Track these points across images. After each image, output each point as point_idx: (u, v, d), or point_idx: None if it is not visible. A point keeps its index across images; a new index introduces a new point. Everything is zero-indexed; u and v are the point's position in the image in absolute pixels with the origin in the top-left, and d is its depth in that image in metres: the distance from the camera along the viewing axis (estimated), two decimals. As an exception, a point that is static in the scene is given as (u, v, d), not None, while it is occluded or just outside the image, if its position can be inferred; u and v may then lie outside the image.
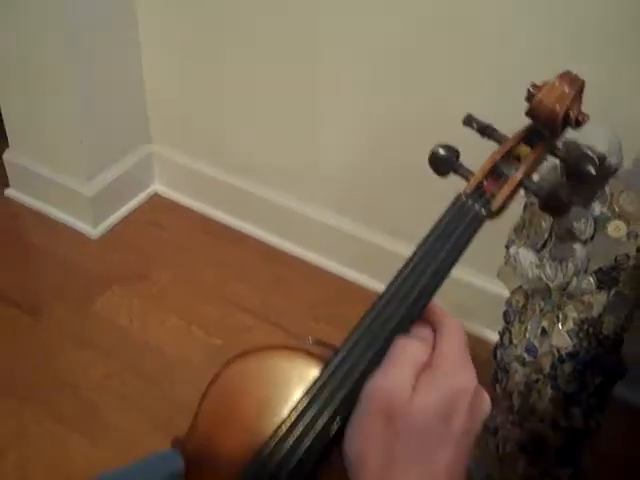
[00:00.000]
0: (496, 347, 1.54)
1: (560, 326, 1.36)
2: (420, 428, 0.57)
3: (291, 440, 0.62)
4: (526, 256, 1.36)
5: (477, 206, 0.67)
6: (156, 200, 2.40)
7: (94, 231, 2.26)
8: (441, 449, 0.58)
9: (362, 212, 2.02)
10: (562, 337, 1.36)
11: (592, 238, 1.28)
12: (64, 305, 2.08)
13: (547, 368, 1.40)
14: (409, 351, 0.61)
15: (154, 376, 1.88)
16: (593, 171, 0.67)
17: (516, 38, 1.55)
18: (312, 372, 0.65)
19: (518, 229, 1.41)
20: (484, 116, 0.74)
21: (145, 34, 2.13)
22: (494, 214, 0.67)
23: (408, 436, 0.57)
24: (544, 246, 1.34)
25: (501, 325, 1.52)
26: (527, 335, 1.42)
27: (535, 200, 1.24)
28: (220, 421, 0.69)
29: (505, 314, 1.48)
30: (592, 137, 1.21)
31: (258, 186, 2.19)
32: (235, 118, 2.13)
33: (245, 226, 2.28)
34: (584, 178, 0.68)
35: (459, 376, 0.59)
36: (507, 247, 1.43)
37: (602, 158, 1.21)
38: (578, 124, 0.70)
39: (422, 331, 0.64)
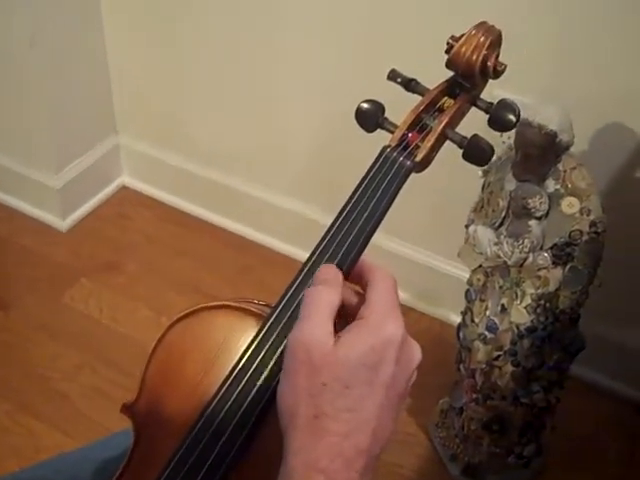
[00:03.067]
0: (459, 327, 1.57)
1: (518, 302, 1.38)
2: (345, 378, 0.58)
3: (233, 396, 0.64)
4: (484, 234, 1.38)
5: (402, 157, 0.67)
6: (124, 192, 2.40)
7: (63, 223, 2.26)
8: (370, 397, 0.59)
9: (328, 199, 2.03)
10: (520, 313, 1.39)
11: (547, 215, 1.31)
12: (34, 297, 2.08)
13: (507, 344, 1.43)
14: (318, 299, 0.61)
15: (125, 366, 1.88)
16: (514, 119, 0.68)
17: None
18: (252, 329, 0.66)
19: (477, 208, 1.44)
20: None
21: (110, 26, 2.13)
22: (419, 165, 0.68)
23: (334, 386, 0.58)
24: (502, 224, 1.37)
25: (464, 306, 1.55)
26: (487, 313, 1.45)
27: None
28: (166, 382, 0.71)
29: (466, 293, 1.51)
30: (544, 115, 1.24)
31: (225, 176, 2.19)
32: (200, 108, 2.14)
33: (213, 216, 2.28)
34: (506, 126, 0.69)
35: (386, 326, 0.60)
36: (467, 226, 1.45)
37: (554, 135, 1.23)
38: (496, 73, 0.71)
39: (350, 287, 0.65)
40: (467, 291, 1.51)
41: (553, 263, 1.33)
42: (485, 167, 1.41)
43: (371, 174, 0.67)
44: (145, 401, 0.72)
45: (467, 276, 1.52)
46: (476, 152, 0.69)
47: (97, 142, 2.30)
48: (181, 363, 0.71)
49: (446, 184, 1.66)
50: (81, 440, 1.71)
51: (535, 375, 1.46)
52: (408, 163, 0.67)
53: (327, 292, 0.62)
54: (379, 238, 0.68)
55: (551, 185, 1.30)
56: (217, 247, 2.22)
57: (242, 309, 0.70)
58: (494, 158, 1.39)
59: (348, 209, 0.67)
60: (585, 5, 1.47)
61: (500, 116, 0.69)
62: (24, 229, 2.27)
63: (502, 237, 1.36)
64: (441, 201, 1.82)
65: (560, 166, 1.30)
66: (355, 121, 0.72)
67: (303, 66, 1.88)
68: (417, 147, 0.68)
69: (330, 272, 0.64)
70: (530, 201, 1.29)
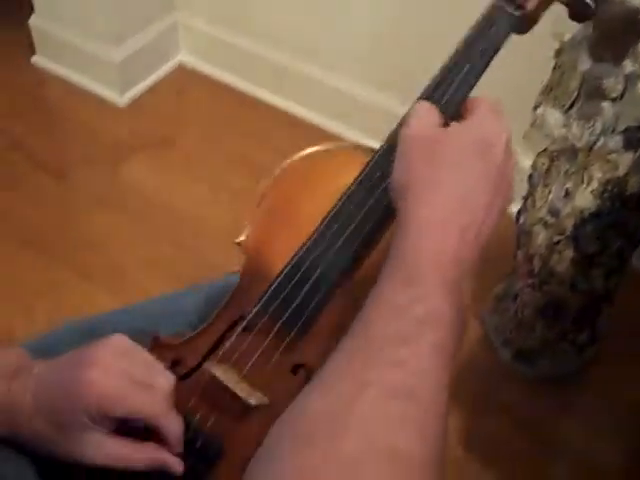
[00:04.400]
0: (519, 212, 1.55)
1: (585, 187, 1.36)
2: (459, 150, 0.63)
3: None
4: (553, 116, 1.35)
5: (511, 8, 0.73)
6: (182, 69, 2.38)
7: (121, 99, 2.26)
8: (483, 173, 0.63)
9: (388, 81, 2.00)
10: (586, 198, 1.36)
11: (621, 97, 1.27)
12: (90, 170, 2.10)
13: (569, 229, 1.41)
14: (419, 107, 0.68)
15: (180, 240, 1.91)
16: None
17: None
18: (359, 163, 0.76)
19: (546, 91, 1.40)
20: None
21: None
22: (525, 19, 0.74)
23: (447, 156, 0.63)
24: (572, 106, 1.34)
25: (525, 191, 1.52)
26: (550, 197, 1.43)
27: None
28: (280, 216, 0.82)
29: (530, 177, 1.48)
30: (628, -9, 1.19)
31: (282, 54, 2.17)
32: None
33: (269, 95, 2.26)
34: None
35: (494, 118, 0.65)
36: (535, 108, 1.42)
37: (636, 12, 1.19)
38: None
39: None
40: (530, 175, 1.49)
41: (624, 147, 1.30)
42: (558, 47, 1.37)
43: (483, 22, 0.73)
44: (256, 235, 0.81)
45: (529, 162, 1.50)
46: (582, 8, 0.76)
47: (156, 18, 2.28)
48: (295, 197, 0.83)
49: (514, 65, 1.61)
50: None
51: (595, 261, 1.45)
52: (518, 13, 0.73)
53: (428, 105, 0.68)
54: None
55: (629, 65, 1.26)
56: (273, 126, 2.21)
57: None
58: (568, 37, 1.35)
59: (460, 52, 0.72)
60: None
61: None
62: (82, 103, 2.27)
63: (572, 119, 1.32)
64: (508, 83, 1.77)
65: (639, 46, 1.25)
66: None
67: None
68: (522, 4, 0.74)
69: (424, 104, 0.69)
70: (605, 81, 1.25)
